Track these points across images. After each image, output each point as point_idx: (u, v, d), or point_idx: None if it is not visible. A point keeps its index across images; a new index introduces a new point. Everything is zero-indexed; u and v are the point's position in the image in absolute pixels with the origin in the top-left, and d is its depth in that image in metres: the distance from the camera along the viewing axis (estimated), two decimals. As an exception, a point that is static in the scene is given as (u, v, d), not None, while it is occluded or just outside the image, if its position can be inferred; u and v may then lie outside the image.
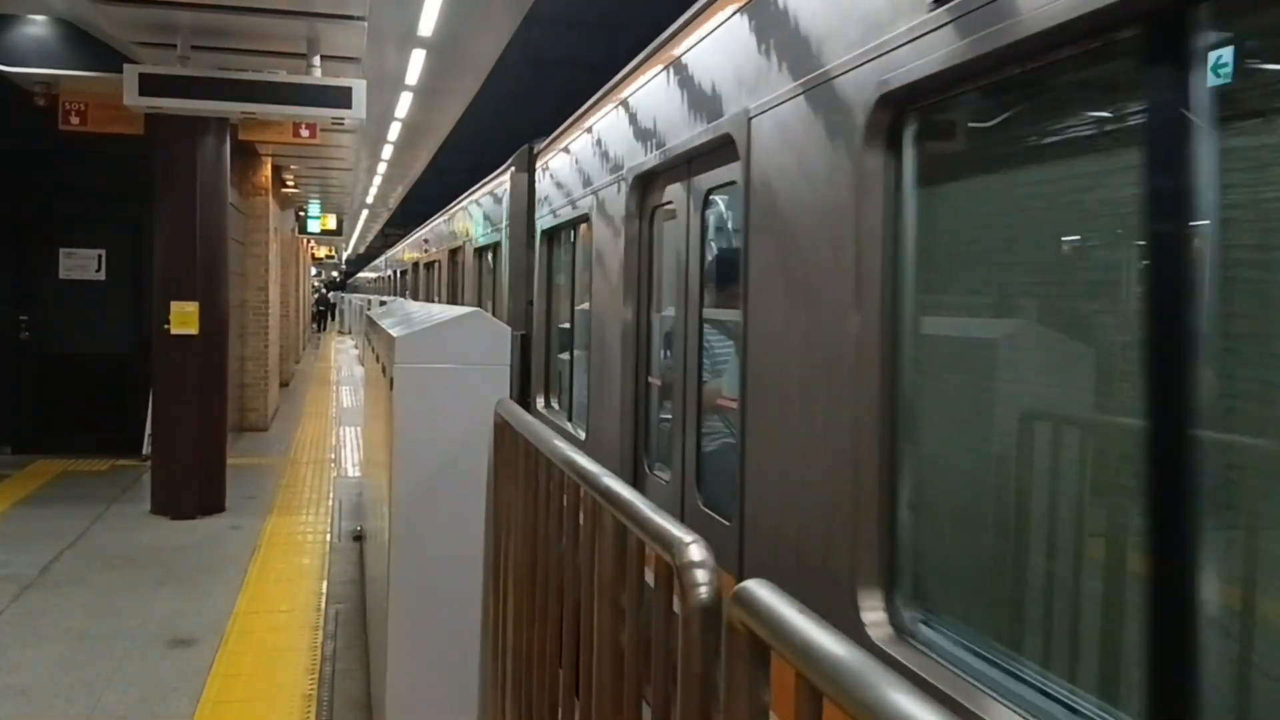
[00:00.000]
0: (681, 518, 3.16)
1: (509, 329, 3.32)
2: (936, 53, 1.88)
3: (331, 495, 8.57)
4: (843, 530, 2.22)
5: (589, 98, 5.34)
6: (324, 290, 53.35)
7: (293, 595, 5.78)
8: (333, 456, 10.61)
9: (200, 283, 7.63)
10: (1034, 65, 1.75)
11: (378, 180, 20.36)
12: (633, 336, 4.19)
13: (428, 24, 8.21)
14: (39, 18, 7.74)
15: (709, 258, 3.55)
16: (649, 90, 4.01)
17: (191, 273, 7.61)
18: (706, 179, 3.46)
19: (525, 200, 6.83)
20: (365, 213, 30.13)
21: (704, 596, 1.32)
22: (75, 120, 8.38)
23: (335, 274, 67.10)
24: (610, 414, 4.32)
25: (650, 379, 4.10)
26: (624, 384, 4.20)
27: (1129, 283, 1.64)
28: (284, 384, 16.81)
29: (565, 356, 5.91)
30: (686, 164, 3.63)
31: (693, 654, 1.31)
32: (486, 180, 8.75)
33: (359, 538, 6.75)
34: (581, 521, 1.99)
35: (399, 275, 22.39)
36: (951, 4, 1.84)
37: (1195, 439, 1.45)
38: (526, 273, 6.67)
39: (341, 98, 7.22)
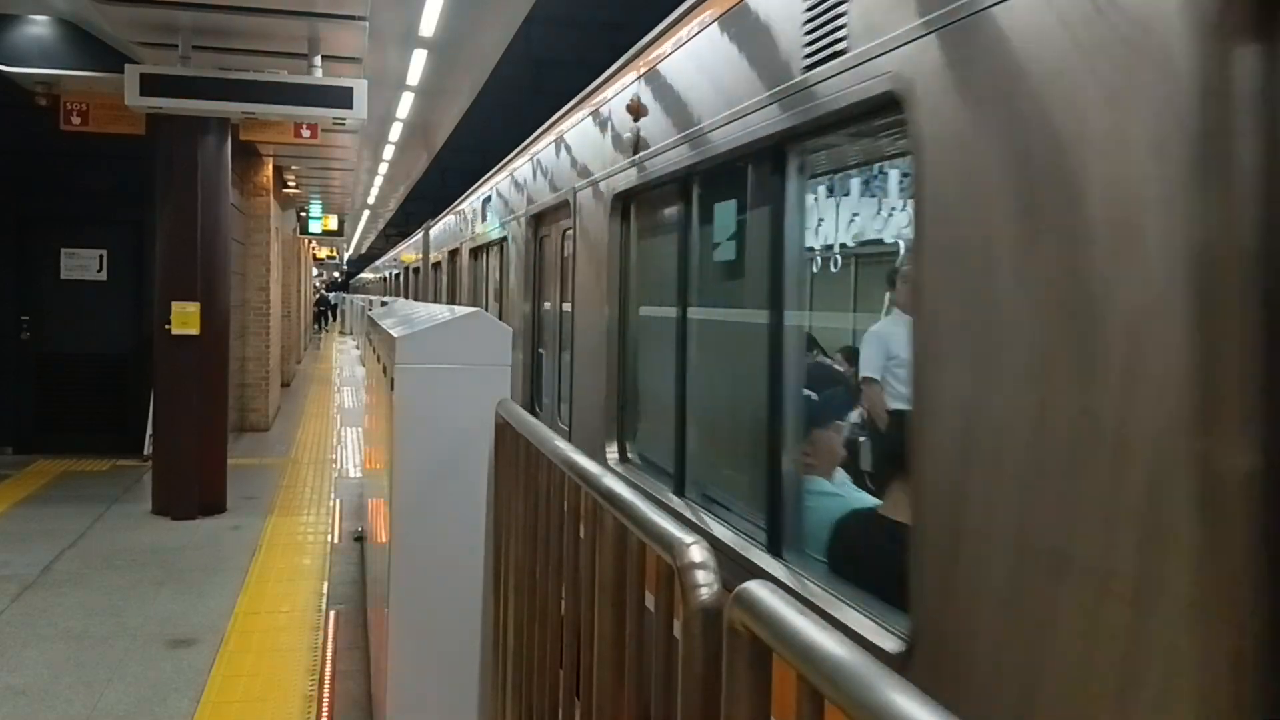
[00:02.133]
0: None
1: (509, 328, 3.30)
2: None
3: (332, 496, 8.56)
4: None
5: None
6: (324, 291, 53.37)
7: (293, 596, 5.78)
8: (333, 457, 10.61)
9: (201, 283, 7.63)
10: None
11: (379, 181, 20.35)
12: None
13: (429, 24, 8.20)
14: (40, 18, 7.74)
15: None
16: None
17: (192, 273, 7.60)
18: None
19: None
20: (367, 213, 30.12)
21: (705, 598, 1.32)
22: (77, 120, 8.38)
23: (336, 275, 67.15)
24: None
25: None
26: None
27: None
28: (285, 384, 16.82)
29: None
30: None
31: (694, 655, 1.31)
32: None
33: (360, 538, 6.74)
34: (582, 522, 1.99)
35: (410, 273, 18.32)
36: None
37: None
38: None
39: (343, 98, 7.22)
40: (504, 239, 7.62)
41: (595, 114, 4.78)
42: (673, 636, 1.46)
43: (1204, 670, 1.29)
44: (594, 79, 5.01)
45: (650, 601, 1.57)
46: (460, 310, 3.54)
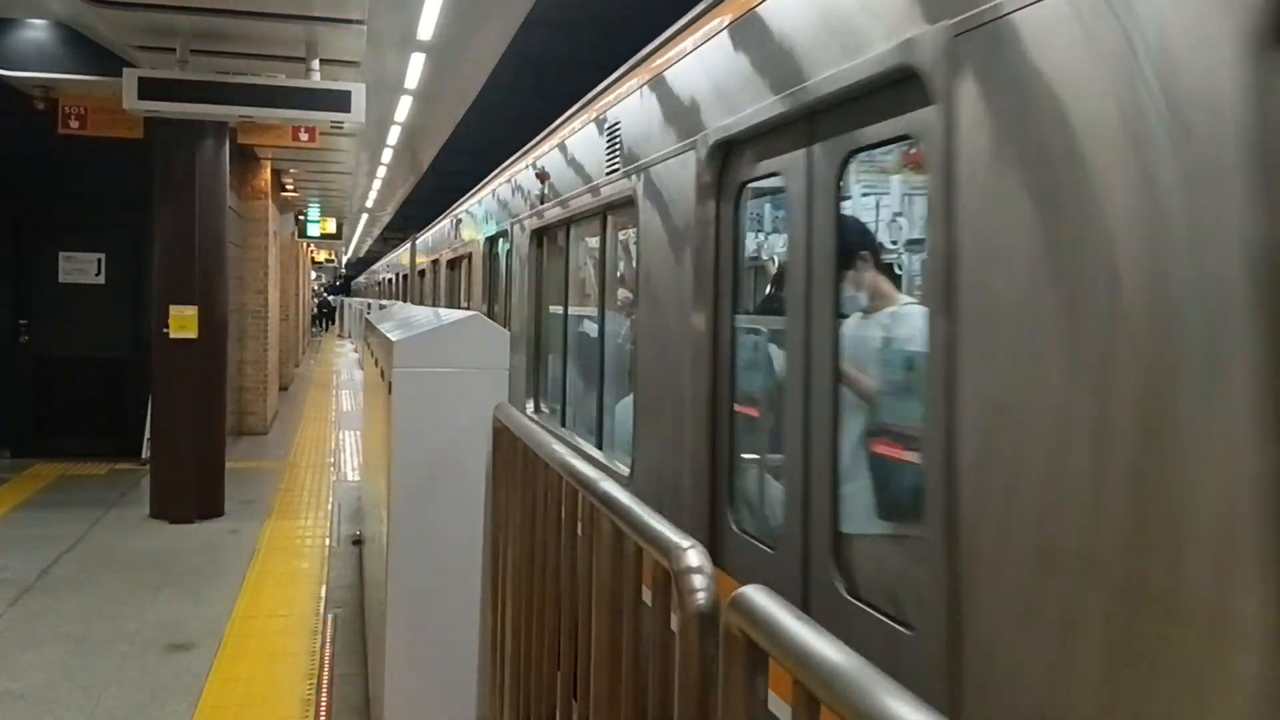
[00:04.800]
0: None
1: (507, 332, 3.31)
2: None
3: (330, 499, 8.55)
4: None
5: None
6: (324, 294, 53.47)
7: (291, 600, 5.77)
8: (332, 460, 10.60)
9: (199, 286, 7.63)
10: None
11: (377, 184, 20.36)
12: None
13: (427, 27, 8.20)
14: (38, 21, 7.74)
15: None
16: None
17: (190, 276, 7.60)
18: None
19: None
20: (365, 216, 30.12)
21: (701, 602, 1.32)
22: (74, 124, 8.38)
23: (336, 279, 67.28)
24: None
25: None
26: None
27: None
28: (283, 388, 16.79)
29: None
30: None
31: (690, 659, 1.31)
32: None
33: (358, 542, 6.74)
34: (580, 526, 1.99)
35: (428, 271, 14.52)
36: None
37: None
38: None
39: (341, 101, 7.22)
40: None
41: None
42: (669, 640, 1.46)
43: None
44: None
45: (647, 605, 1.57)
46: (458, 314, 3.55)
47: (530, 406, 6.24)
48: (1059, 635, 1.49)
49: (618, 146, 4.07)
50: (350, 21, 6.58)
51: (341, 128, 8.17)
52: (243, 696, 4.39)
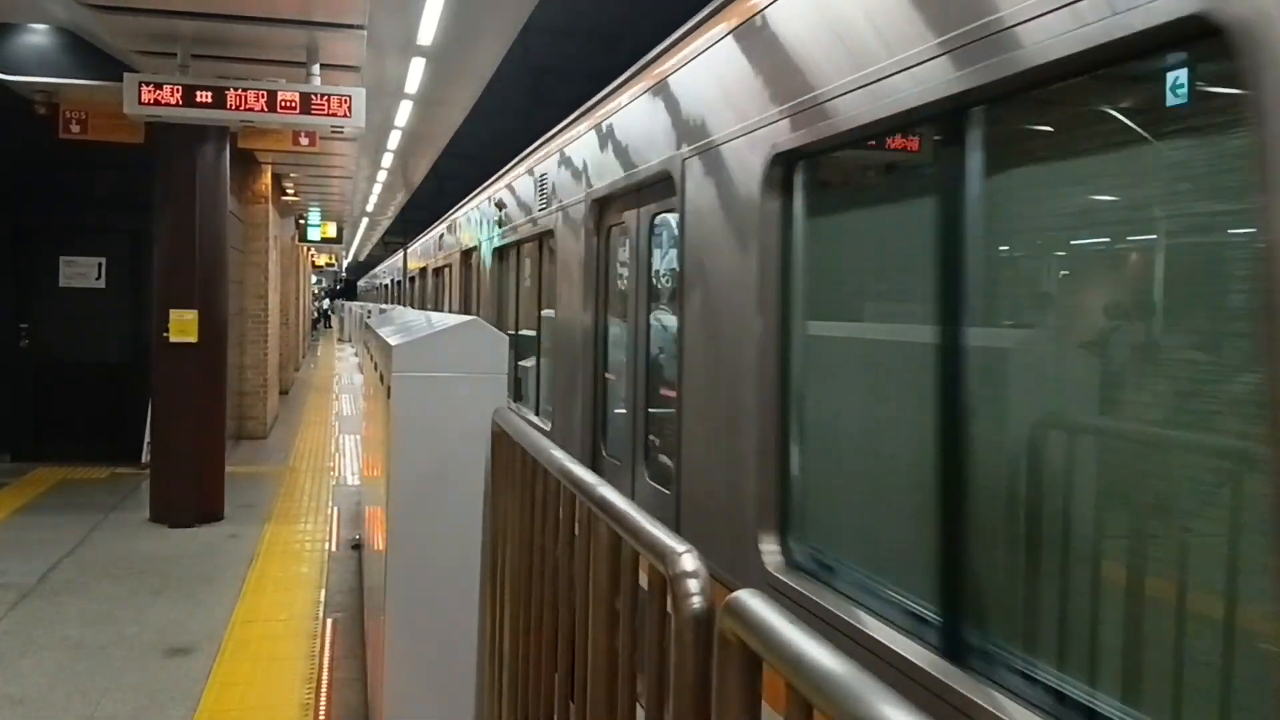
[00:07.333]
0: None
1: (505, 337, 3.31)
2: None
3: (330, 503, 8.56)
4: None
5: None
6: (318, 302, 53.33)
7: (290, 604, 5.77)
8: (331, 464, 10.60)
9: (199, 291, 7.64)
10: None
11: (378, 188, 20.37)
12: None
13: (427, 33, 8.22)
14: (40, 26, 7.76)
15: None
16: None
17: (191, 281, 7.61)
18: None
19: None
20: (365, 221, 30.15)
21: (696, 607, 1.32)
22: (75, 128, 8.39)
23: (336, 283, 67.32)
24: None
25: None
26: None
27: None
28: (283, 392, 16.80)
29: None
30: None
31: (685, 664, 1.31)
32: None
33: (357, 546, 6.74)
34: (577, 531, 1.99)
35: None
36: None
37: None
38: None
39: (341, 106, 7.23)
40: None
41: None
42: (665, 645, 1.46)
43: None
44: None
45: (644, 610, 1.57)
46: (458, 318, 3.55)
47: None
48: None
49: None
50: (350, 27, 6.59)
51: (342, 132, 8.17)
52: (241, 701, 4.39)
